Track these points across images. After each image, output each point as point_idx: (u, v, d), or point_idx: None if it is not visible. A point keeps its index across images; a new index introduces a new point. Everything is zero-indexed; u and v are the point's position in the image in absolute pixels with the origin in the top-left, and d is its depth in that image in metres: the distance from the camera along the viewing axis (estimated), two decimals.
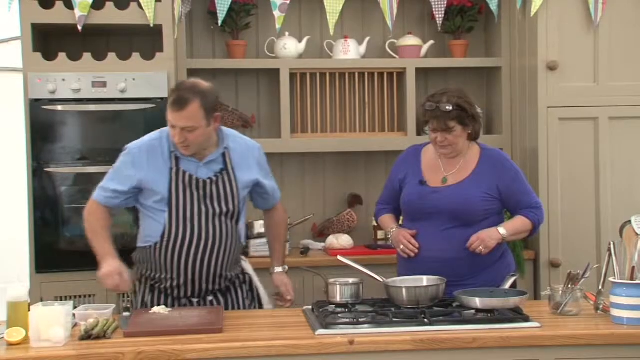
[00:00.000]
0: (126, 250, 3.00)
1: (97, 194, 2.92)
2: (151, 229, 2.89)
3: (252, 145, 3.04)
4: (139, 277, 2.97)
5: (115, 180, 2.90)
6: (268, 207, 3.17)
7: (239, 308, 2.98)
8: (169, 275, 2.88)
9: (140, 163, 2.86)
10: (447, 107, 2.88)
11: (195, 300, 2.91)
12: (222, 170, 2.90)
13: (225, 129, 3.00)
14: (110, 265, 2.78)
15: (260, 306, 3.07)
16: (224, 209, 2.89)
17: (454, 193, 2.96)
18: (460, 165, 3.02)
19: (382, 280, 2.84)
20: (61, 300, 3.54)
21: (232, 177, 2.91)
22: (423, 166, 3.07)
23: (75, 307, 2.60)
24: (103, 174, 3.67)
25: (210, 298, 2.93)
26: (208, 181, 2.87)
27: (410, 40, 4.27)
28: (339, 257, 2.96)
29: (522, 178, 3.05)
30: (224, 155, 2.92)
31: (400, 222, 3.20)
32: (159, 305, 2.85)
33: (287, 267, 3.18)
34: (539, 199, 3.08)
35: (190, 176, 2.85)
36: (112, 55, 3.78)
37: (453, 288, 2.76)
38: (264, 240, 3.92)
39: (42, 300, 3.61)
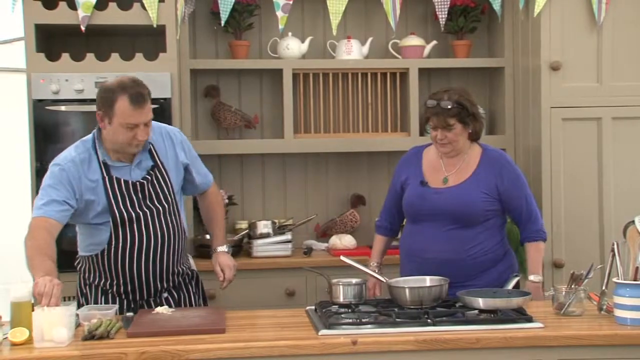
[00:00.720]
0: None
1: (46, 210, 2.67)
2: (95, 238, 2.83)
3: (172, 130, 2.99)
4: (87, 281, 2.93)
5: (60, 192, 2.71)
6: (200, 192, 3.11)
7: (190, 304, 2.99)
8: (121, 280, 2.86)
9: (76, 177, 2.75)
10: (447, 104, 2.89)
11: (151, 299, 2.90)
12: (153, 167, 2.85)
13: None
14: (51, 278, 2.51)
15: (205, 303, 3.09)
16: (165, 206, 2.86)
17: (455, 194, 2.96)
18: (461, 165, 3.02)
19: (384, 281, 2.84)
20: (64, 300, 3.54)
21: (164, 172, 2.87)
22: (424, 167, 3.08)
23: (78, 307, 2.60)
24: None
25: (165, 295, 2.93)
26: (144, 182, 2.83)
27: (413, 41, 4.27)
28: (342, 258, 2.96)
29: (522, 183, 3.04)
30: (150, 151, 2.86)
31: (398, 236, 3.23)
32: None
33: (230, 248, 3.14)
34: (536, 204, 3.07)
35: (125, 182, 2.80)
36: (115, 56, 3.79)
37: (455, 289, 2.75)
38: (267, 240, 3.94)
39: None
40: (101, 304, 2.87)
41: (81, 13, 3.72)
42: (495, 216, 3.00)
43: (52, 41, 4.03)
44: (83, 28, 3.74)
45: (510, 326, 2.50)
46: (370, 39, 4.27)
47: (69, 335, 2.37)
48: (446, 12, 4.13)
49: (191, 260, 3.13)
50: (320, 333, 2.45)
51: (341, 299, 2.75)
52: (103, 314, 2.60)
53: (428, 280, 2.80)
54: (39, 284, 2.46)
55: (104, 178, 2.78)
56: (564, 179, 3.95)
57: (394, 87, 4.29)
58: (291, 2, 4.03)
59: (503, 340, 2.42)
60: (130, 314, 2.69)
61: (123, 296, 2.90)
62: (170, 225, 2.87)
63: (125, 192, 2.80)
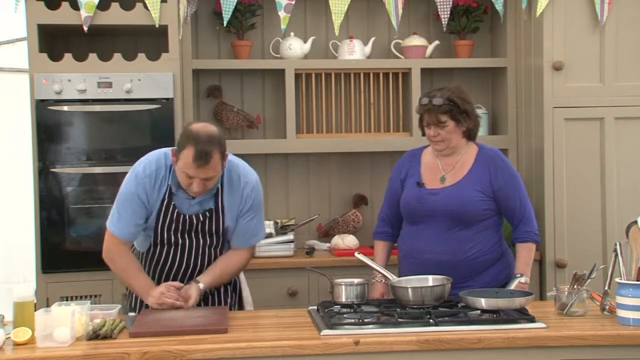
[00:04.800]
0: (136, 250, 2.99)
1: (120, 230, 2.83)
2: (143, 240, 2.93)
3: (249, 178, 2.92)
4: None
5: (132, 213, 2.82)
6: (237, 247, 2.97)
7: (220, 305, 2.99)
8: (157, 277, 2.94)
9: (148, 189, 2.82)
10: (439, 102, 2.92)
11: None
12: (211, 209, 2.86)
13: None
14: (157, 292, 2.79)
15: (241, 307, 3.08)
16: (208, 242, 2.91)
17: (450, 194, 2.96)
18: (458, 164, 3.02)
19: (391, 279, 2.83)
20: (67, 300, 3.55)
21: (220, 216, 2.88)
22: (422, 167, 3.07)
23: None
24: (108, 175, 3.72)
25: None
26: (195, 218, 2.85)
27: (416, 41, 4.27)
28: (357, 255, 2.96)
29: (517, 182, 3.02)
30: (215, 194, 2.86)
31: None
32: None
33: (203, 288, 2.87)
34: (531, 206, 3.05)
35: (179, 213, 2.84)
36: (117, 56, 3.79)
37: (452, 290, 2.75)
38: (270, 240, 3.94)
39: (47, 300, 3.62)
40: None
41: (84, 13, 3.72)
42: (492, 216, 2.99)
43: (54, 41, 4.03)
44: (85, 28, 3.74)
45: (512, 326, 2.50)
46: (372, 39, 4.27)
47: (72, 335, 2.37)
48: (448, 12, 4.13)
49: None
50: (322, 333, 2.45)
51: (343, 299, 2.75)
52: (105, 313, 2.60)
53: (430, 280, 2.80)
54: (159, 305, 2.76)
55: (162, 200, 2.83)
56: (567, 179, 3.95)
57: (396, 87, 4.29)
58: (293, 2, 4.03)
59: (505, 341, 2.42)
60: (132, 314, 2.69)
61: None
62: (208, 256, 2.92)
63: (174, 221, 2.85)
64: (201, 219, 2.86)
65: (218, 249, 2.94)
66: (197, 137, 2.70)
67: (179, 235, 2.87)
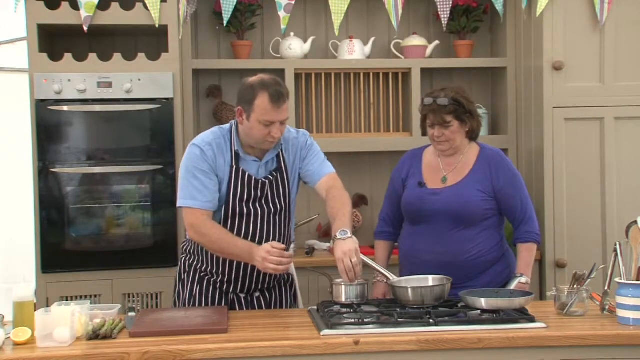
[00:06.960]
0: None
1: (200, 202, 2.78)
2: None
3: (298, 136, 2.97)
4: (186, 268, 2.98)
5: (206, 181, 2.79)
6: (324, 175, 2.96)
7: (282, 306, 3.00)
8: (220, 270, 2.90)
9: (212, 158, 2.82)
10: (444, 102, 2.91)
11: (242, 295, 2.93)
12: (277, 169, 2.90)
13: None
14: (263, 249, 2.68)
15: (295, 302, 3.09)
16: (278, 208, 2.89)
17: (451, 194, 2.96)
18: (459, 164, 3.02)
19: (391, 279, 2.83)
20: (67, 300, 3.55)
21: (285, 177, 2.91)
22: (424, 167, 3.08)
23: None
24: (108, 175, 3.72)
25: (257, 294, 2.95)
26: (266, 182, 2.86)
27: (415, 41, 4.27)
28: None
29: (518, 183, 3.02)
30: (278, 154, 2.91)
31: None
32: (207, 297, 2.87)
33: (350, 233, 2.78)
34: (532, 206, 3.05)
35: (250, 177, 2.84)
36: (117, 56, 3.79)
37: (453, 290, 2.76)
38: None
39: (47, 300, 3.63)
40: (196, 291, 2.91)
41: (84, 13, 3.72)
42: (493, 216, 3.00)
43: (54, 41, 4.03)
44: (85, 28, 3.74)
45: (512, 326, 2.50)
46: (372, 39, 4.27)
47: (72, 335, 2.37)
48: (448, 12, 4.13)
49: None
50: (322, 333, 2.45)
51: (343, 299, 2.75)
52: (105, 313, 2.61)
53: (430, 280, 2.80)
54: (265, 266, 2.66)
55: (231, 167, 2.83)
56: (567, 179, 3.95)
57: (396, 87, 4.29)
58: (293, 2, 4.03)
59: (505, 341, 2.42)
60: (132, 314, 2.69)
61: (217, 285, 2.93)
62: (277, 227, 2.89)
63: (246, 187, 2.83)
64: (271, 179, 2.86)
65: (285, 219, 2.91)
66: (265, 83, 2.77)
67: (250, 204, 2.84)
